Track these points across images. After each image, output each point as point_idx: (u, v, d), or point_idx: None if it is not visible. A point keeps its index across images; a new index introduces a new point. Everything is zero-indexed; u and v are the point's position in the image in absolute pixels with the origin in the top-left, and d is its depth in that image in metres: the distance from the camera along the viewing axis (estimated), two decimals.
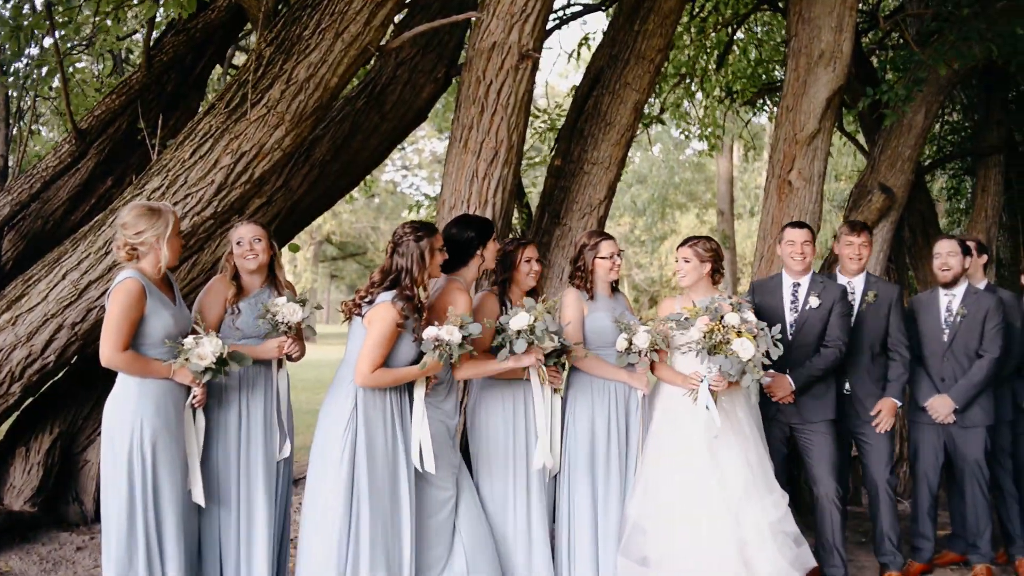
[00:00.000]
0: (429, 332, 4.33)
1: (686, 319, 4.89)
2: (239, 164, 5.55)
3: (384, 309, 4.33)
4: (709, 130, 10.96)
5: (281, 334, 4.57)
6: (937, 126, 10.28)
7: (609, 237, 5.24)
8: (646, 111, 11.35)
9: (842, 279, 5.74)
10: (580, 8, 8.85)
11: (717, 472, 4.85)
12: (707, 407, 4.85)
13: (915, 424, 5.86)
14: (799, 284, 5.47)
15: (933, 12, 7.41)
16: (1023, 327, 5.97)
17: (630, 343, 4.94)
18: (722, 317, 4.78)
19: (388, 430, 4.44)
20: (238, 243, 4.66)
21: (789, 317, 5.44)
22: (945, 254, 5.73)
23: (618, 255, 5.21)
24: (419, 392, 4.51)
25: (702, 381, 4.85)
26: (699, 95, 10.90)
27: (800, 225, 5.56)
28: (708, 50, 9.93)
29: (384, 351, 4.34)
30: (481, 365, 4.71)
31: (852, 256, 5.71)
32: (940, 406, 5.63)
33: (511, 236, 5.48)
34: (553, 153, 7.02)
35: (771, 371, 5.16)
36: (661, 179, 22.24)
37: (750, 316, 4.84)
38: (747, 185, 25.24)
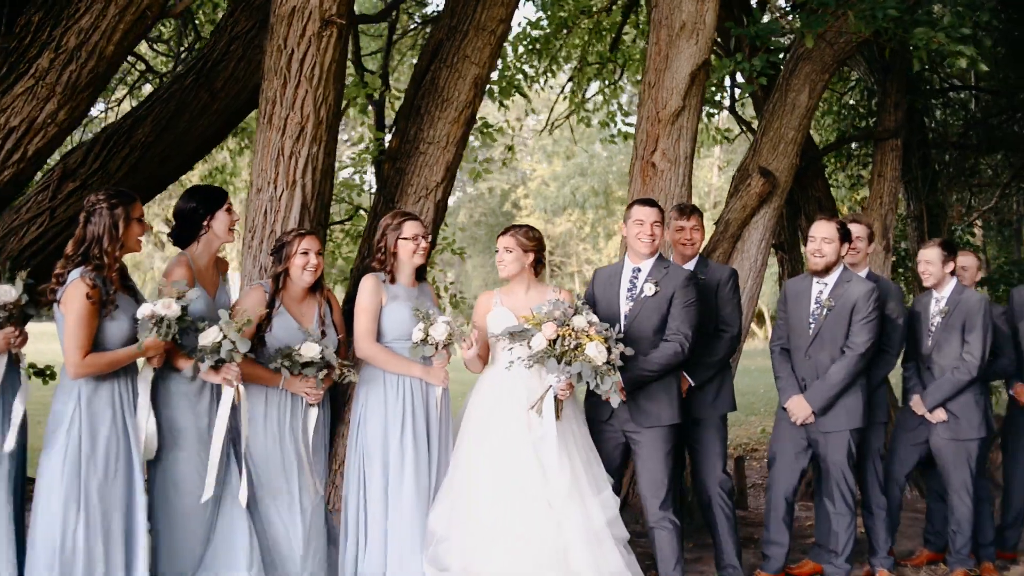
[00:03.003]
0: (144, 309, 3.95)
1: (526, 330, 4.40)
2: (8, 141, 5.03)
3: (74, 288, 3.91)
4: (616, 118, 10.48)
5: (4, 323, 4.06)
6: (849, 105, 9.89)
7: (414, 218, 4.82)
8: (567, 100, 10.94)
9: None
10: None
11: (539, 475, 4.40)
12: (544, 415, 4.40)
13: (776, 424, 5.40)
14: (639, 270, 4.91)
15: None
16: (905, 321, 5.55)
17: (427, 334, 4.50)
18: (566, 322, 4.31)
19: (118, 429, 4.04)
20: None
21: (624, 307, 4.88)
22: (820, 239, 5.21)
23: (424, 238, 4.77)
24: (144, 377, 4.08)
25: (548, 390, 4.39)
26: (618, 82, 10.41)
27: (649, 203, 4.97)
28: (602, 34, 9.42)
29: (87, 332, 3.91)
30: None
31: (685, 241, 5.25)
32: (797, 408, 5.17)
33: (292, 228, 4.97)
34: (392, 134, 6.51)
35: None
36: (600, 169, 21.74)
37: (594, 317, 4.40)
38: (697, 180, 24.77)
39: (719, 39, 7.69)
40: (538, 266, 4.76)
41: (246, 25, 6.70)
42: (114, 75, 5.64)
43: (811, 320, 5.19)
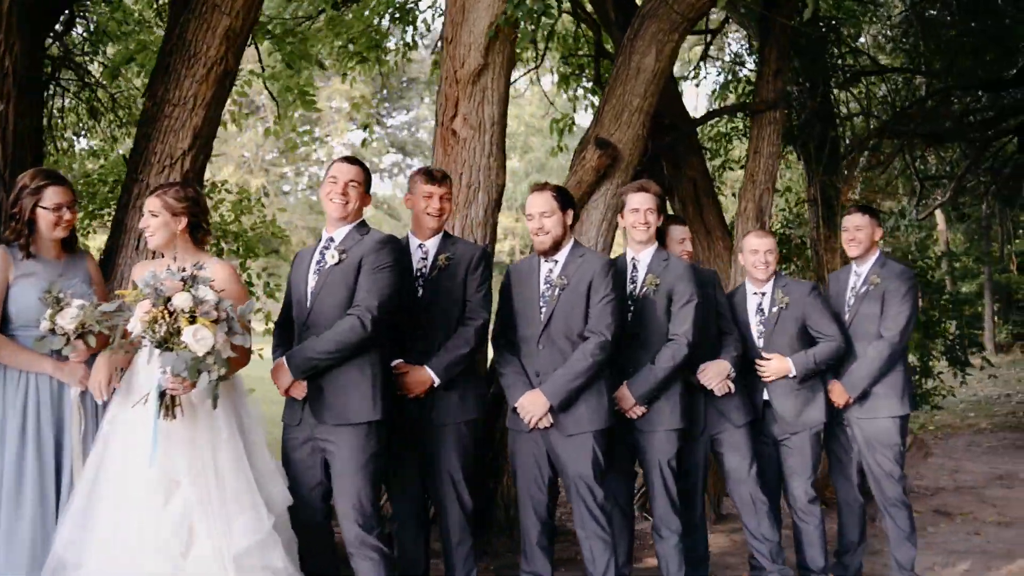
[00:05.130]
0: None
1: (121, 308, 3.62)
2: None
3: None
4: None
5: None
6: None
7: (61, 183, 3.97)
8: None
9: (414, 241, 4.49)
10: None
11: (163, 486, 3.61)
12: (148, 415, 3.60)
13: (511, 432, 4.52)
14: (332, 239, 4.12)
15: None
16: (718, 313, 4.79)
17: (53, 324, 3.72)
18: (168, 299, 3.51)
19: None
20: None
21: (311, 282, 4.08)
22: (538, 215, 4.41)
23: (70, 208, 3.98)
24: None
25: (157, 385, 3.60)
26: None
27: (349, 160, 4.18)
28: None
29: None
30: None
31: (432, 212, 4.44)
32: (531, 404, 4.29)
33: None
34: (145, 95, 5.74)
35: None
36: (561, 166, 20.88)
37: (208, 294, 3.57)
38: None
39: None
40: (197, 233, 3.97)
41: None
42: None
43: (541, 304, 4.37)
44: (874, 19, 10.15)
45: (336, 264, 3.97)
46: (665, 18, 6.53)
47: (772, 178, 7.48)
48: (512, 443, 4.51)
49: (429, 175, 4.44)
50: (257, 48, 8.40)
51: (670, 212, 8.19)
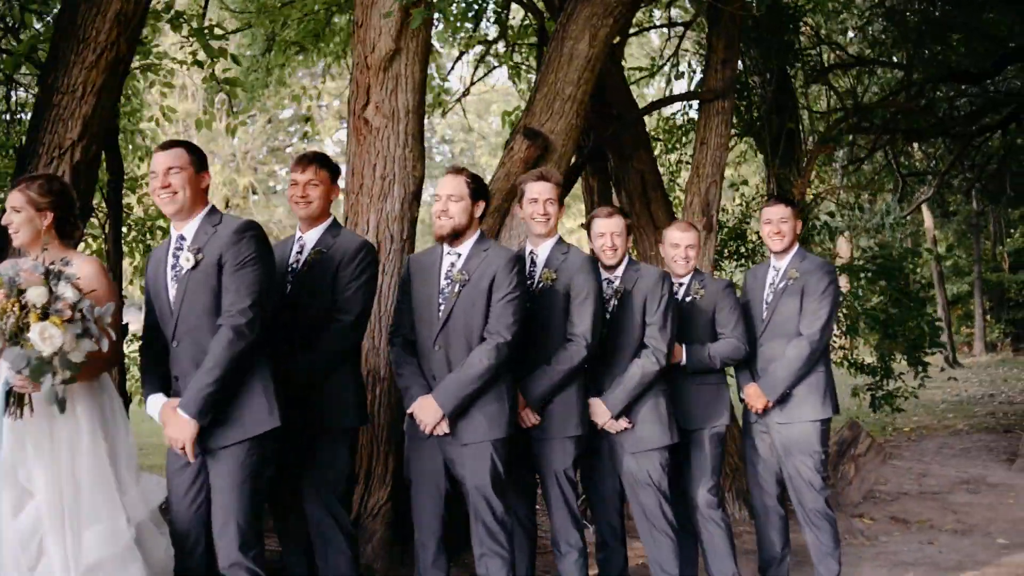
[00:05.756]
0: None
1: None
2: None
3: None
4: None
5: None
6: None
7: None
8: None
9: (297, 234, 4.21)
10: None
11: (15, 496, 3.40)
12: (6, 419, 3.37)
13: (408, 439, 4.18)
14: (183, 238, 3.70)
15: None
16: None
17: None
18: (22, 292, 3.24)
19: None
20: None
21: (171, 291, 3.64)
22: (445, 197, 4.06)
23: None
24: None
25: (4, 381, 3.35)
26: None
27: (171, 144, 3.70)
28: None
29: None
30: None
31: (297, 200, 4.16)
32: (422, 411, 3.95)
33: None
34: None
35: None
36: None
37: (68, 292, 3.28)
38: None
39: None
40: (65, 228, 3.68)
41: None
42: None
43: (440, 301, 4.02)
44: (841, 9, 9.82)
45: (193, 268, 3.56)
46: (599, 2, 6.22)
47: (720, 171, 7.16)
48: (408, 450, 4.16)
49: (297, 160, 4.14)
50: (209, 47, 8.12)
51: (620, 207, 7.95)
